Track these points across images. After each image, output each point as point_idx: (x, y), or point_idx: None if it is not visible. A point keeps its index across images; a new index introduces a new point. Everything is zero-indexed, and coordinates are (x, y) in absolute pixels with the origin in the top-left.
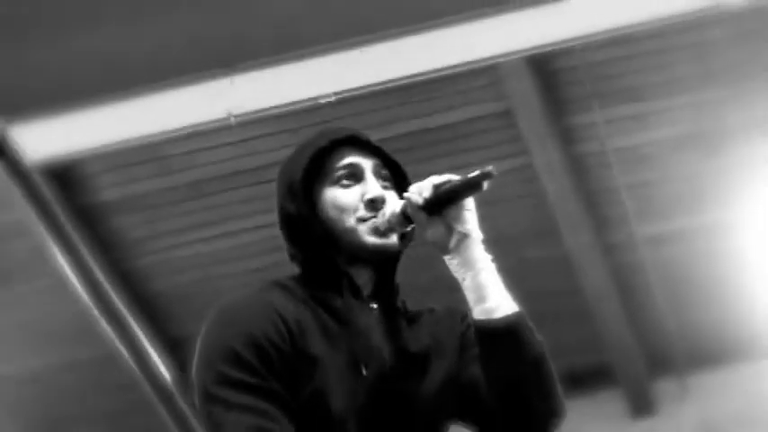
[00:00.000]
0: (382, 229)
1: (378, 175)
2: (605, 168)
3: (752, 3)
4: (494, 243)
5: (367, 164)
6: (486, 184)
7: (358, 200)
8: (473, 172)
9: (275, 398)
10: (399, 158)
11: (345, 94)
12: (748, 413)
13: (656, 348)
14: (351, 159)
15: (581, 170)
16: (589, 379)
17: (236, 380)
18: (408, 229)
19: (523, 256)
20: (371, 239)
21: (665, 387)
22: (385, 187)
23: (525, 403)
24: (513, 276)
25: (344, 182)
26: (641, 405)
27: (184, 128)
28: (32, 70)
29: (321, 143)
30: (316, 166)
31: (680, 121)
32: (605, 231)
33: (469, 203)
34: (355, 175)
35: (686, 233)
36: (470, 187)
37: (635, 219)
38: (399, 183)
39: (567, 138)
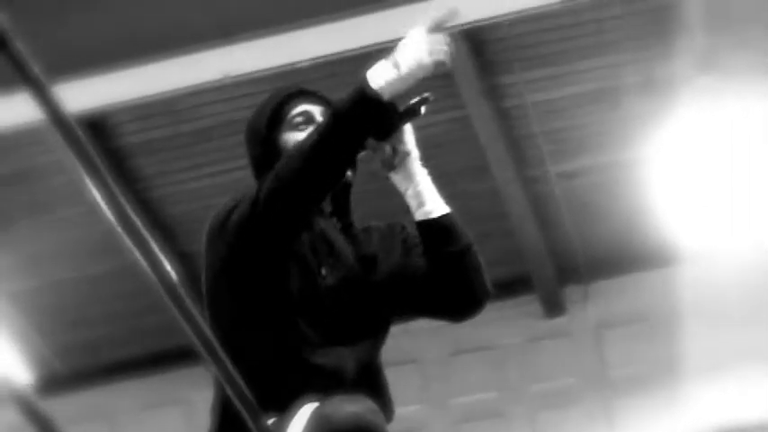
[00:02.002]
0: None
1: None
2: (525, 118)
3: None
4: (437, 178)
5: (316, 109)
6: (423, 109)
7: None
8: (412, 99)
9: None
10: None
11: (316, 61)
12: (637, 313)
13: (565, 261)
14: (303, 107)
15: (506, 120)
16: (511, 286)
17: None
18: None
19: (461, 189)
20: None
21: (572, 292)
22: None
23: (461, 278)
24: (453, 205)
25: (300, 126)
26: (553, 307)
27: (190, 86)
28: (72, 40)
29: (277, 99)
30: (276, 117)
31: (586, 80)
32: (525, 168)
33: (409, 128)
34: (308, 120)
35: (590, 169)
36: (411, 113)
37: (549, 158)
38: None
39: (495, 94)
